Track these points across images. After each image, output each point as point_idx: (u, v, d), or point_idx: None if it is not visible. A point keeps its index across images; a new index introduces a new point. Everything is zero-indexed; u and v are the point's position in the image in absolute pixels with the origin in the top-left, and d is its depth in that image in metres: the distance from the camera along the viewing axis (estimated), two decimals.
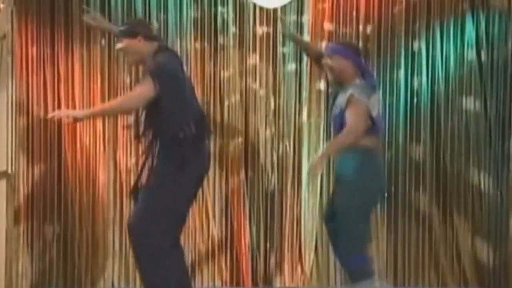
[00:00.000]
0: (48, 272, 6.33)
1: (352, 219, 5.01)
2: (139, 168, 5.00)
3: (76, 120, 4.73)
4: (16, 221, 6.28)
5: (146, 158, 4.93)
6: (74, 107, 6.32)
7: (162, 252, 4.80)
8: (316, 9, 6.41)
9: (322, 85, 6.36)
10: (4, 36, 6.21)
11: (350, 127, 4.97)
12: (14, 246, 6.25)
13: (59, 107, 6.31)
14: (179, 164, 4.81)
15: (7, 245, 6.23)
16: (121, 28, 5.07)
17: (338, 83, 5.21)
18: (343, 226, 5.04)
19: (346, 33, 6.38)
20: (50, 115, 4.80)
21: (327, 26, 6.41)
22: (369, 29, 6.38)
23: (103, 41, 6.38)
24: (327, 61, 5.22)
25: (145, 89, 4.78)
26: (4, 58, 6.21)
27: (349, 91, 5.06)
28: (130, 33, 4.97)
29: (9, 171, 6.24)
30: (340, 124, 5.07)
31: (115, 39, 5.19)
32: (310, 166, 5.23)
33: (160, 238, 4.79)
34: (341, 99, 5.11)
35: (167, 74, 4.82)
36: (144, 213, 4.85)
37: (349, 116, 5.01)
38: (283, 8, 6.36)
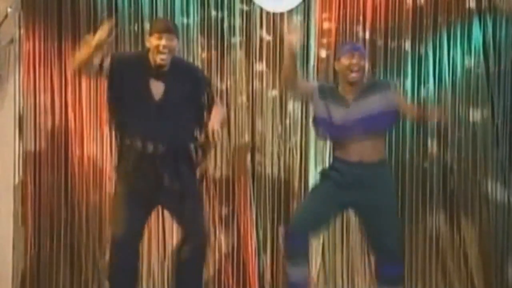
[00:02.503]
0: (55, 279, 6.32)
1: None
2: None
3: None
4: (24, 229, 6.27)
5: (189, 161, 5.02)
6: (81, 112, 6.33)
7: None
8: (322, 13, 6.41)
9: None
10: (12, 41, 6.21)
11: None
12: (21, 253, 6.25)
13: (66, 112, 6.32)
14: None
15: (14, 252, 6.24)
16: (171, 25, 4.97)
17: (352, 84, 5.17)
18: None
19: (352, 37, 6.37)
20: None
21: (333, 30, 6.41)
22: (375, 34, 6.37)
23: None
24: (361, 62, 5.16)
25: None
26: (11, 62, 6.22)
27: (387, 91, 5.18)
28: (178, 34, 4.98)
29: (16, 179, 6.24)
30: (384, 122, 5.17)
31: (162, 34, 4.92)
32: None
33: None
34: (376, 99, 5.12)
35: None
36: (204, 221, 5.09)
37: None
38: (290, 12, 6.37)
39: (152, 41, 4.91)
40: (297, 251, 5.15)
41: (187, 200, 4.97)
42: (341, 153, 5.18)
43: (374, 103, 5.12)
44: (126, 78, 4.93)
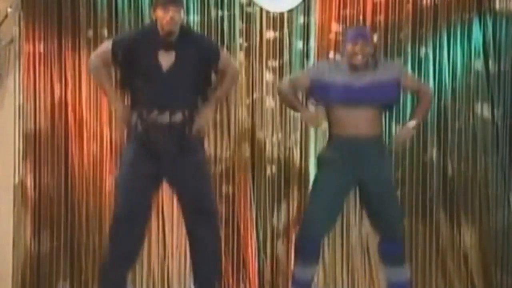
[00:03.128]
0: (55, 279, 6.32)
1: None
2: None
3: None
4: (23, 228, 6.27)
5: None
6: (81, 112, 6.32)
7: None
8: (322, 13, 6.40)
9: None
10: (12, 41, 6.22)
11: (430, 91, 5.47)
12: (21, 253, 6.25)
13: (66, 112, 6.31)
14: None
15: (14, 252, 6.24)
16: None
17: (357, 67, 5.17)
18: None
19: None
20: None
21: (334, 29, 6.41)
22: (375, 34, 6.37)
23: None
24: (366, 48, 5.16)
25: None
26: (11, 62, 6.22)
27: (393, 65, 5.43)
28: (183, 3, 4.94)
29: (16, 178, 6.24)
30: (385, 95, 5.19)
31: (165, 5, 4.83)
32: (400, 136, 5.39)
33: None
34: (379, 72, 5.17)
35: None
36: (212, 193, 5.10)
37: (418, 82, 5.50)
38: (290, 11, 6.38)
39: (158, 14, 4.84)
40: (308, 255, 5.15)
41: (194, 173, 4.92)
42: (337, 128, 5.16)
43: (376, 75, 5.16)
44: (134, 53, 4.88)
